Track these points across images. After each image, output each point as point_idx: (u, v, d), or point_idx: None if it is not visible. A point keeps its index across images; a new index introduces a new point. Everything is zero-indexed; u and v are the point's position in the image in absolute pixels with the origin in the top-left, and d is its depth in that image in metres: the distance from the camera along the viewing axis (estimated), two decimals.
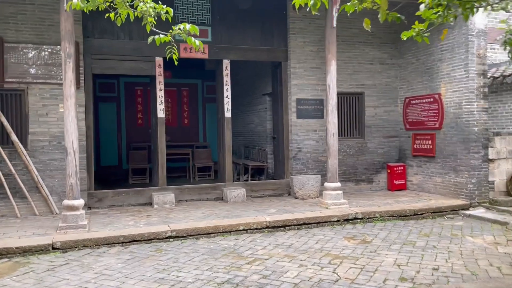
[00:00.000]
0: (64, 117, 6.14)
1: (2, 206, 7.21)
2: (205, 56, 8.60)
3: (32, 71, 7.35)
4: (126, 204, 8.10)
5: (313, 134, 9.15)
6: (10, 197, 7.17)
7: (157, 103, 8.32)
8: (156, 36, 4.08)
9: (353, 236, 6.28)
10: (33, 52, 7.35)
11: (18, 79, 7.28)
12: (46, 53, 7.41)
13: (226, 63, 8.77)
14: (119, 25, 4.16)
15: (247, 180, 10.39)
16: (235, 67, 12.22)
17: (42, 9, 7.37)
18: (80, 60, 7.60)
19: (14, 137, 7.20)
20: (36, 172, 7.34)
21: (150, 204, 8.11)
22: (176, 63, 4.61)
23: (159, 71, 8.26)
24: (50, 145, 7.47)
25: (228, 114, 8.77)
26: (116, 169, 12.67)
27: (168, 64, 13.96)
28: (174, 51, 4.27)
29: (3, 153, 7.13)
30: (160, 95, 8.31)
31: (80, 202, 6.25)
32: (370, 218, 7.22)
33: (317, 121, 9.19)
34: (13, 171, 7.17)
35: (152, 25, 4.14)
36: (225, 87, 8.74)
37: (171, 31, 4.14)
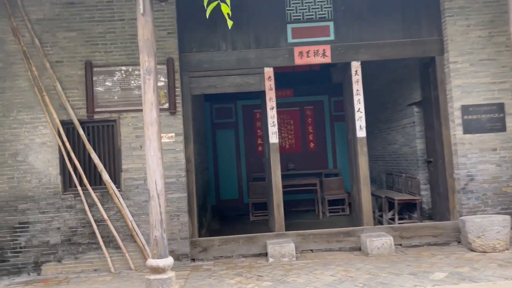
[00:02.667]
0: (146, 150, 4.82)
1: (95, 258, 6.24)
2: (327, 59, 6.68)
3: (123, 97, 6.37)
4: (236, 255, 6.49)
5: (491, 155, 6.41)
6: (103, 247, 6.16)
7: (268, 124, 6.65)
8: None
9: None
10: (124, 75, 6.39)
11: (109, 108, 6.37)
12: (138, 76, 6.37)
13: (355, 66, 6.70)
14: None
15: (392, 219, 7.97)
16: (366, 73, 10.03)
17: (132, 24, 6.39)
18: (176, 80, 6.40)
19: (106, 176, 6.23)
20: (131, 217, 6.23)
21: (266, 254, 6.36)
22: (229, 23, 2.87)
23: (269, 85, 6.62)
24: (145, 184, 6.29)
25: (361, 133, 6.63)
26: (236, 203, 11.40)
27: (287, 80, 12.58)
28: None
29: (94, 195, 6.20)
30: (272, 115, 6.62)
31: (168, 261, 4.77)
32: None
33: (495, 136, 6.45)
34: (105, 216, 6.17)
35: None
36: (355, 99, 6.66)
37: None
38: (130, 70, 6.40)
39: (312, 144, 11.71)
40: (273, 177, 6.63)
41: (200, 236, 7.71)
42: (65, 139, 6.23)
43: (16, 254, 6.21)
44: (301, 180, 10.41)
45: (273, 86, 6.62)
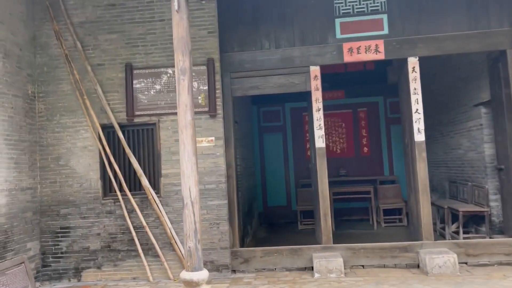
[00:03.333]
0: (180, 154, 4.55)
1: (134, 266, 6.10)
2: (380, 56, 6.12)
3: (163, 99, 6.20)
4: (280, 268, 6.09)
5: None
6: (141, 255, 6.00)
7: (314, 127, 6.20)
8: None
9: None
10: (164, 77, 6.22)
11: (149, 111, 6.23)
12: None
13: (412, 62, 6.09)
14: None
15: (456, 233, 7.19)
16: (426, 71, 9.29)
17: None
18: (217, 81, 6.13)
19: (145, 181, 6.08)
20: (170, 224, 6.03)
21: (311, 268, 5.90)
22: None
23: (315, 85, 6.17)
24: None
25: (420, 136, 5.99)
26: (284, 210, 10.98)
27: (338, 81, 11.99)
28: None
29: (133, 201, 6.07)
30: (318, 117, 6.16)
31: (202, 275, 4.47)
32: None
33: None
34: (144, 223, 6.01)
35: None
36: (413, 98, 6.03)
37: None
38: (170, 72, 6.22)
39: (365, 149, 11.04)
40: (320, 185, 6.16)
41: (244, 245, 7.40)
42: (105, 143, 6.16)
43: (57, 259, 6.21)
44: (353, 187, 9.80)
45: (319, 86, 6.16)
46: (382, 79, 11.17)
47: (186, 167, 4.51)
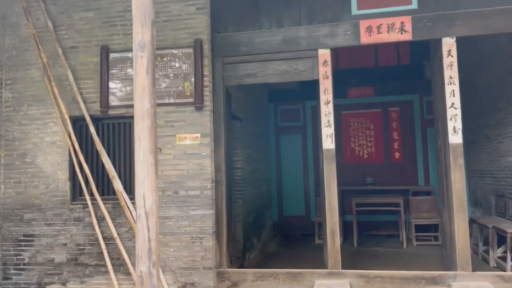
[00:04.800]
0: (135, 152, 3.62)
1: (103, 284, 5.25)
2: (407, 36, 4.97)
3: None
4: None
5: None
6: (111, 272, 5.13)
7: (322, 124, 5.11)
8: None
9: None
10: None
11: (126, 101, 5.37)
12: (161, 62, 5.29)
13: (448, 44, 4.90)
14: None
15: (503, 258, 5.90)
16: (468, 63, 8.02)
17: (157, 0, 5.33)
18: (205, 67, 5.19)
19: (118, 184, 5.22)
20: None
21: None
22: None
23: (324, 72, 5.10)
24: (164, 196, 5.19)
25: (455, 138, 4.79)
26: (302, 220, 9.89)
27: (368, 76, 10.76)
28: None
29: (103, 208, 5.22)
30: (327, 111, 5.08)
31: None
32: None
33: None
34: (115, 234, 5.14)
35: None
36: (447, 90, 4.84)
37: None
38: None
39: (397, 154, 9.75)
40: (327, 195, 5.07)
41: (246, 261, 6.43)
42: (74, 138, 5.36)
43: (19, 272, 5.45)
44: (381, 198, 8.58)
45: (329, 73, 5.08)
46: (418, 74, 9.89)
47: (140, 168, 3.56)
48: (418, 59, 9.64)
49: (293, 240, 9.51)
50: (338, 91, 10.25)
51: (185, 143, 5.15)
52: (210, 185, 5.12)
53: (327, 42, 5.12)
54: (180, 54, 5.23)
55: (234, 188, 6.76)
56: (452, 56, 4.83)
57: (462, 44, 9.22)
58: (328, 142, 5.08)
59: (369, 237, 9.50)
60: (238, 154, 6.86)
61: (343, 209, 9.60)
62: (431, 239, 8.43)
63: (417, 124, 9.73)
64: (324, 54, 5.12)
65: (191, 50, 5.21)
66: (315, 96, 9.95)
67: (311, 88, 10.09)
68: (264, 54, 5.28)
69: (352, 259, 7.31)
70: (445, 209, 5.08)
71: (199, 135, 5.16)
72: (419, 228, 8.55)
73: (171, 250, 5.11)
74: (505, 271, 5.84)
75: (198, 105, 5.12)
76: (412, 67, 9.77)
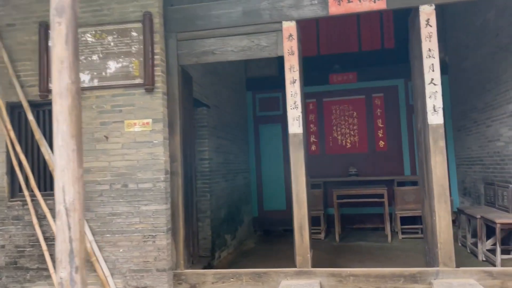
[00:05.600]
0: (53, 136, 3.05)
1: None
2: (380, 4, 4.43)
3: (87, 69, 4.75)
4: None
5: None
6: (53, 276, 4.58)
7: (288, 106, 4.57)
8: None
9: None
10: (88, 40, 4.77)
11: None
12: (107, 40, 4.72)
13: (426, 12, 4.37)
14: None
15: (493, 251, 5.43)
16: (454, 44, 7.54)
17: None
18: (156, 43, 4.62)
19: None
20: (91, 237, 4.57)
21: None
22: None
23: (289, 48, 4.55)
24: (111, 190, 4.63)
25: (435, 118, 4.25)
26: (283, 215, 9.33)
27: (351, 62, 10.20)
28: None
29: (43, 205, 4.65)
30: (293, 92, 4.54)
31: None
32: None
33: None
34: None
35: None
36: (426, 63, 4.31)
37: None
38: (95, 32, 4.76)
39: (382, 143, 9.25)
40: (295, 186, 4.53)
41: (215, 261, 5.92)
42: (9, 127, 4.77)
43: None
44: (364, 189, 8.08)
45: (295, 48, 4.53)
46: (403, 58, 9.35)
47: (59, 155, 3.00)
48: (403, 42, 9.11)
49: (274, 236, 9.01)
50: (319, 78, 9.79)
51: (134, 130, 4.60)
52: (164, 177, 4.56)
53: (292, 14, 4.58)
54: (128, 30, 4.67)
55: (200, 180, 6.23)
56: (431, 26, 4.30)
57: (450, 23, 8.77)
58: (295, 126, 4.54)
59: (353, 231, 9.02)
60: (204, 143, 6.32)
61: (326, 202, 9.10)
62: (418, 232, 7.97)
63: (402, 110, 9.22)
64: (289, 27, 4.57)
65: (139, 25, 4.64)
66: None
67: None
68: (223, 28, 4.72)
69: (331, 255, 6.83)
70: (426, 199, 4.57)
71: (150, 120, 4.60)
72: (405, 220, 8.07)
73: (121, 250, 4.56)
74: (494, 265, 5.37)
75: (148, 86, 4.56)
76: (397, 51, 9.29)
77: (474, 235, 6.30)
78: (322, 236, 8.32)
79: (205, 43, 4.75)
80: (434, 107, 4.25)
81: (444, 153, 4.23)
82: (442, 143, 4.22)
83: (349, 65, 9.49)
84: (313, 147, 9.58)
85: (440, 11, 9.13)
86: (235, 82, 8.66)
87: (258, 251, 7.64)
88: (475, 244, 6.11)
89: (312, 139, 9.58)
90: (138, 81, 4.62)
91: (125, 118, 4.62)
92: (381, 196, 7.85)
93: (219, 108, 7.21)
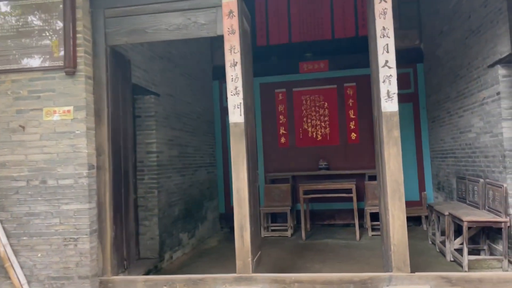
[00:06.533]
0: None
1: None
2: None
3: (0, 51, 4.20)
4: None
5: None
6: None
7: (228, 92, 4.08)
8: None
9: None
10: (4, 16, 4.21)
11: None
12: (25, 16, 4.16)
13: None
14: None
15: (460, 251, 5.03)
16: (429, 29, 7.16)
17: None
18: (78, 20, 4.10)
19: None
20: (5, 240, 4.05)
21: None
22: None
23: (230, 26, 4.04)
24: (28, 187, 4.11)
25: (390, 105, 3.79)
26: None
27: (324, 50, 9.70)
28: None
29: None
30: (234, 76, 4.05)
31: None
32: None
33: None
34: None
35: None
36: (380, 44, 3.84)
37: None
38: (11, 7, 4.20)
39: (354, 135, 8.80)
40: (235, 182, 4.05)
41: (164, 262, 5.44)
42: None
43: None
44: (331, 183, 7.63)
45: (236, 27, 4.03)
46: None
47: None
48: None
49: None
50: (290, 67, 9.29)
51: (53, 118, 4.07)
52: (87, 172, 4.05)
53: None
54: (47, 4, 4.12)
55: (146, 175, 5.73)
56: (386, 2, 3.82)
57: (424, 8, 8.32)
58: (235, 114, 4.04)
59: (323, 228, 8.61)
60: (151, 135, 5.81)
61: (295, 197, 8.65)
62: None
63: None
64: (230, 2, 4.06)
65: (59, 0, 4.10)
66: (265, 72, 9.02)
67: (262, 62, 9.16)
68: (156, 4, 4.19)
69: (293, 255, 6.39)
70: (381, 196, 4.12)
71: (71, 108, 4.07)
72: (376, 216, 7.66)
73: (39, 255, 4.05)
74: (462, 266, 4.97)
75: (69, 69, 4.03)
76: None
77: (444, 233, 5.89)
78: (289, 233, 7.90)
79: (135, 20, 4.22)
80: (388, 92, 3.78)
81: (398, 144, 3.78)
82: (396, 133, 3.77)
83: (321, 53, 9.02)
84: (283, 140, 9.10)
85: None
86: (198, 70, 8.13)
87: (219, 249, 7.18)
88: (444, 243, 5.70)
89: (282, 131, 9.11)
90: (59, 63, 4.08)
91: (44, 106, 4.10)
92: (349, 191, 7.42)
93: (174, 97, 6.69)
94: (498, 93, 5.00)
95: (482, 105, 5.53)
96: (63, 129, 4.08)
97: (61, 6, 4.09)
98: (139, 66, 5.41)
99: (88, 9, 4.22)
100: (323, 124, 8.94)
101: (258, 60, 9.22)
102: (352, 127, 8.82)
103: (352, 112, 8.83)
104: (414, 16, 8.65)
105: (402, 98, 8.42)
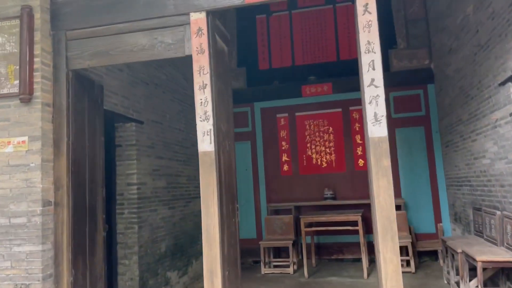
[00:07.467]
0: None
1: None
2: None
3: None
4: None
5: None
6: None
7: (197, 117, 3.66)
8: None
9: None
10: None
11: None
12: None
13: None
14: None
15: None
16: (438, 47, 6.68)
17: None
18: (36, 43, 3.81)
19: None
20: None
21: None
22: None
23: (199, 45, 3.66)
24: None
25: (378, 129, 3.33)
26: (254, 244, 8.28)
27: (329, 73, 9.27)
28: None
29: None
30: (203, 100, 3.65)
31: None
32: None
33: None
34: None
35: None
36: (365, 60, 3.44)
37: None
38: None
39: (361, 161, 8.26)
40: (205, 217, 3.58)
41: None
42: None
43: None
44: (335, 215, 7.07)
45: (205, 46, 3.65)
46: (384, 66, 8.45)
47: None
48: (383, 48, 8.25)
49: (246, 270, 7.99)
50: (292, 90, 8.90)
51: (7, 150, 3.73)
52: (41, 209, 3.66)
53: (201, 3, 3.71)
54: (4, 27, 3.86)
55: (126, 210, 5.32)
56: (370, 13, 3.40)
57: (433, 26, 7.87)
58: (205, 142, 3.62)
59: (330, 263, 8.00)
60: (132, 165, 5.43)
61: (298, 230, 8.08)
62: (403, 265, 6.90)
63: None
64: (199, 19, 3.70)
65: (17, 22, 3.82)
66: (265, 96, 8.67)
67: (262, 86, 8.81)
68: (121, 23, 3.87)
69: None
70: (375, 234, 3.58)
71: (26, 138, 3.73)
72: None
73: None
74: None
75: (24, 96, 3.71)
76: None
77: (459, 272, 5.25)
78: (291, 270, 7.33)
79: (99, 42, 3.90)
80: (375, 115, 3.32)
81: (389, 175, 3.27)
82: (386, 162, 3.27)
83: (325, 76, 8.62)
84: (286, 167, 8.63)
85: (424, 12, 8.27)
86: (194, 95, 7.79)
87: None
88: (459, 284, 5.05)
89: (284, 158, 8.64)
90: (15, 90, 3.77)
91: None
92: (355, 223, 6.83)
93: (163, 124, 6.34)
94: (511, 114, 4.45)
95: (495, 127, 4.96)
96: (17, 161, 3.73)
97: (17, 29, 3.80)
98: (116, 92, 5.09)
99: (49, 32, 3.93)
100: (328, 150, 8.44)
101: (259, 84, 8.96)
102: (359, 153, 8.28)
103: (359, 137, 8.31)
104: (422, 35, 8.20)
105: (413, 122, 8.05)
